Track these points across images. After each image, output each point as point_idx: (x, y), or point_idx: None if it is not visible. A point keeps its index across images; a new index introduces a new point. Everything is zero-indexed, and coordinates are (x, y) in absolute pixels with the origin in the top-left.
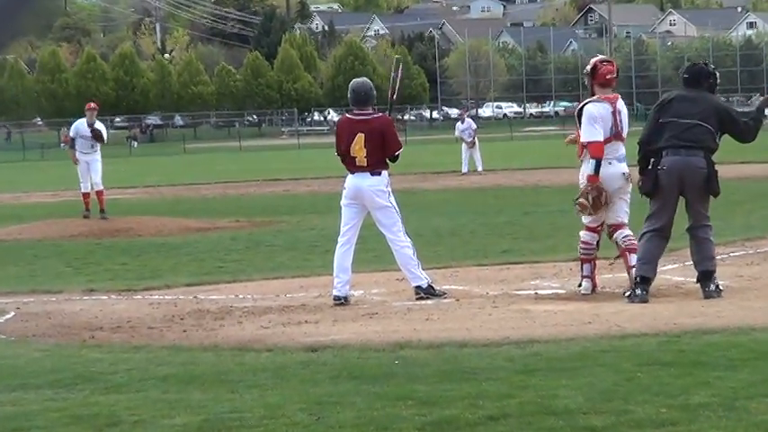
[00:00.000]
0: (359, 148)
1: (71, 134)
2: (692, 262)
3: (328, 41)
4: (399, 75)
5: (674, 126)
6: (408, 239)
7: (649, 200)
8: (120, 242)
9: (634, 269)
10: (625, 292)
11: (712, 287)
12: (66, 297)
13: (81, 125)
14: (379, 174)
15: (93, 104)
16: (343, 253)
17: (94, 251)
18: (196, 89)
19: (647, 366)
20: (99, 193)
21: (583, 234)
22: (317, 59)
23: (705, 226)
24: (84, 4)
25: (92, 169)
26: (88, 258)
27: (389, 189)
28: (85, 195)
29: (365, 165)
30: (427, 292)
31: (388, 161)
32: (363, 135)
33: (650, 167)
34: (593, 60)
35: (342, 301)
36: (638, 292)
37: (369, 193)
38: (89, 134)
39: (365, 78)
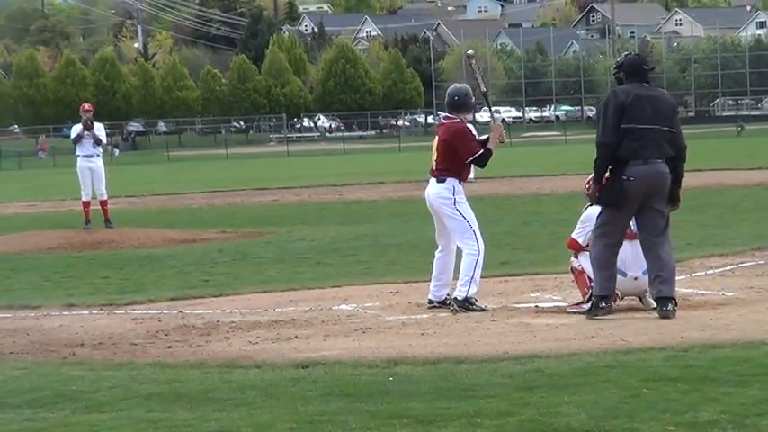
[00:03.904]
0: (433, 152)
1: (73, 134)
2: (652, 276)
3: (318, 44)
4: (476, 67)
5: (638, 133)
6: (479, 248)
7: (602, 208)
8: (101, 255)
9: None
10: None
11: (670, 306)
12: (44, 312)
13: (81, 128)
14: (444, 181)
15: (87, 106)
16: (437, 260)
17: (74, 264)
18: (180, 94)
19: (654, 382)
20: (103, 203)
21: None
22: (306, 63)
23: (665, 233)
24: (62, 6)
25: (95, 177)
26: (68, 272)
27: (456, 197)
28: (86, 204)
29: (432, 170)
30: (461, 306)
31: (469, 167)
32: (437, 140)
33: (613, 176)
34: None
35: (434, 305)
36: (603, 304)
37: (432, 200)
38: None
39: (464, 84)
